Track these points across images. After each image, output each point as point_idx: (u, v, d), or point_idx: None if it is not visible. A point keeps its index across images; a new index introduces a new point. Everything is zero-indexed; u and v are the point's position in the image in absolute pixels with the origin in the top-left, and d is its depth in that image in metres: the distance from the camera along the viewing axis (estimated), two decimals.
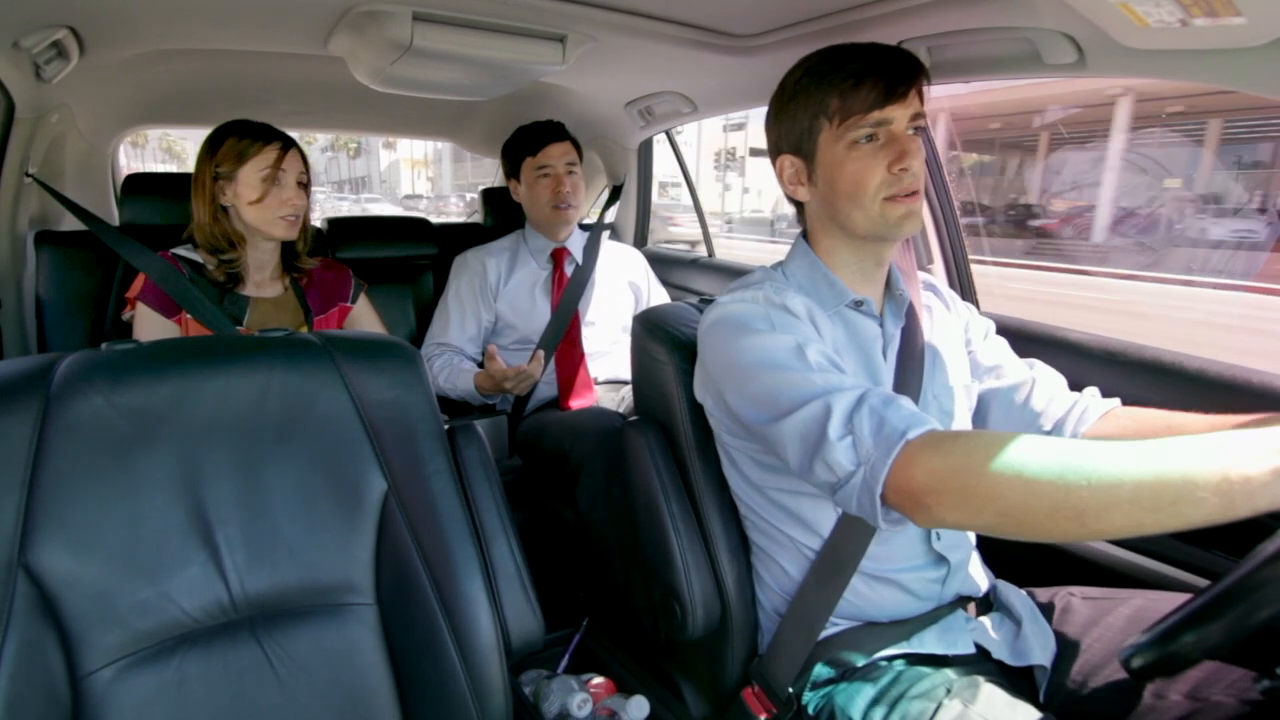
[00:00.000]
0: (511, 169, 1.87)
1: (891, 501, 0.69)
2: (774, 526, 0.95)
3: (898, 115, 0.84)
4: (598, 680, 1.20)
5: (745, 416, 0.84)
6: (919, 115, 0.87)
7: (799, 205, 0.96)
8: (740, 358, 0.84)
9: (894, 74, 0.83)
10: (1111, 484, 0.55)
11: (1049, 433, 0.94)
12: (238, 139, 1.35)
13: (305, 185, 1.42)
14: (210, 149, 1.37)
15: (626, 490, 1.09)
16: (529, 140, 1.81)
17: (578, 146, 1.85)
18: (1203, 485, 0.51)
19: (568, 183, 1.79)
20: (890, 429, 0.69)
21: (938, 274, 1.53)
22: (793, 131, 0.90)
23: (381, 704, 0.82)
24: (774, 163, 0.95)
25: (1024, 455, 0.60)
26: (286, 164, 1.37)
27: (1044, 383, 0.98)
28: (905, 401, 0.73)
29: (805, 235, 0.97)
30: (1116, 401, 0.94)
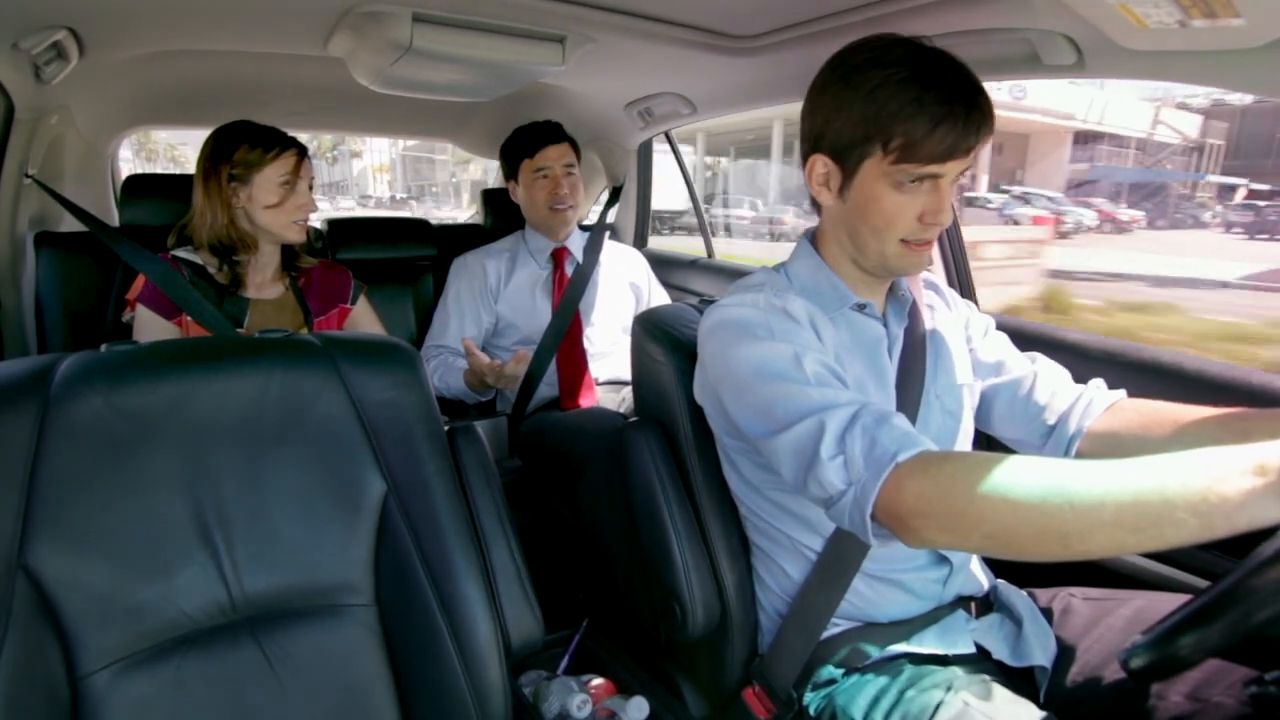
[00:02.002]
0: (510, 170, 1.87)
1: (881, 521, 0.69)
2: (774, 527, 0.95)
3: (952, 171, 0.81)
4: (597, 681, 1.20)
5: (742, 426, 0.84)
6: (965, 171, 0.84)
7: (816, 203, 0.94)
8: (738, 366, 0.83)
9: (968, 124, 0.77)
10: (1093, 507, 0.55)
11: (1054, 426, 0.94)
12: (255, 142, 1.36)
13: (311, 187, 1.44)
14: (224, 150, 1.37)
15: (626, 491, 1.09)
16: (526, 142, 1.82)
17: (576, 147, 1.85)
18: (1181, 507, 0.52)
19: (565, 184, 1.80)
20: (881, 450, 0.69)
21: (937, 274, 1.53)
22: (839, 136, 0.83)
23: (381, 705, 0.82)
24: (806, 156, 0.89)
25: (1009, 479, 0.61)
26: (302, 170, 1.40)
27: (1047, 377, 0.98)
28: (899, 420, 0.73)
29: (812, 235, 0.97)
30: (1122, 393, 0.93)
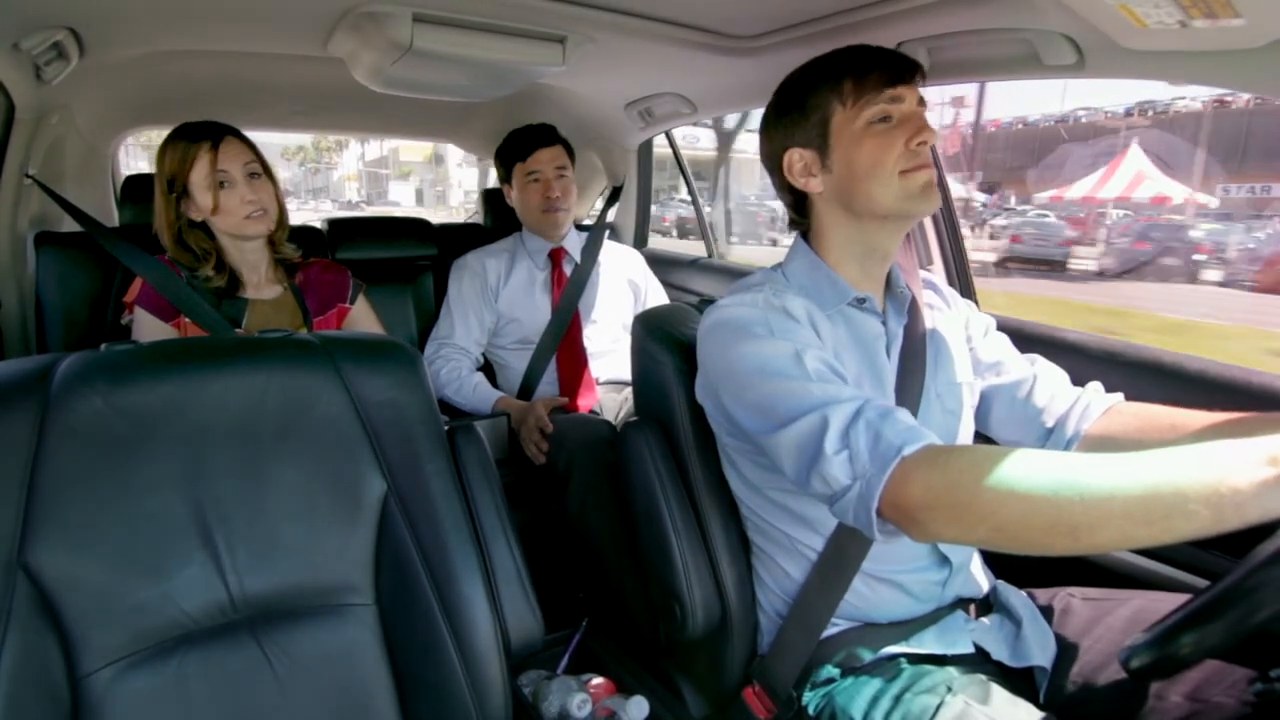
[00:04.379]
0: (504, 174, 1.88)
1: (887, 515, 0.69)
2: (775, 527, 0.95)
3: (908, 95, 0.87)
4: (597, 680, 1.20)
5: (743, 424, 0.84)
6: (922, 102, 0.89)
7: (800, 202, 0.96)
8: (738, 364, 0.84)
9: (898, 64, 0.87)
10: (1103, 499, 0.55)
11: (1052, 429, 0.94)
12: (172, 149, 1.30)
13: (261, 174, 1.35)
14: (159, 168, 1.31)
15: (626, 491, 1.09)
16: (518, 145, 1.82)
17: (569, 149, 1.86)
18: (1193, 499, 0.52)
19: (557, 187, 1.80)
20: (886, 444, 0.69)
21: (937, 273, 1.53)
22: (802, 125, 0.90)
23: (381, 704, 0.82)
24: (778, 161, 0.94)
25: (1018, 472, 0.60)
26: (224, 161, 1.28)
27: (1046, 379, 0.98)
28: (902, 414, 0.73)
29: (805, 236, 0.97)
30: (1120, 397, 0.93)
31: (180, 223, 1.33)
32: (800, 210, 0.97)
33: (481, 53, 1.33)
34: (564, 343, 1.78)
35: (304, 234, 1.86)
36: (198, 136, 1.30)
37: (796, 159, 0.92)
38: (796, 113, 0.91)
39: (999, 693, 0.79)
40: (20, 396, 0.73)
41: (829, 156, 0.90)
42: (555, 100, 2.05)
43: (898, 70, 0.86)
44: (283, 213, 1.43)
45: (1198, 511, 0.52)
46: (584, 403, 1.76)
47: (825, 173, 0.91)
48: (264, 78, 1.82)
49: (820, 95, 0.89)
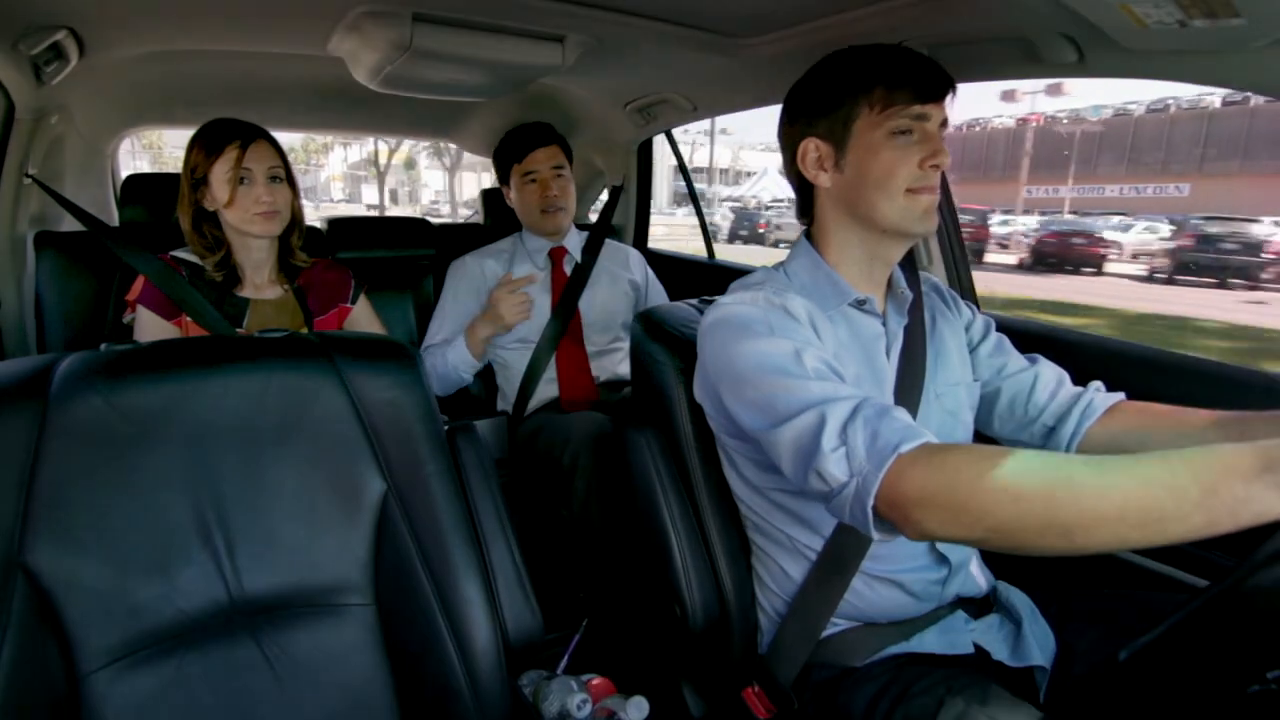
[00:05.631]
0: (501, 175, 1.87)
1: (883, 513, 0.69)
2: (775, 527, 0.95)
3: (934, 114, 0.87)
4: (597, 680, 1.20)
5: (742, 421, 0.84)
6: (945, 123, 0.89)
7: (807, 194, 0.95)
8: (738, 362, 0.84)
9: (934, 78, 0.87)
10: (1098, 502, 0.56)
11: (1053, 428, 0.94)
12: (204, 140, 1.35)
13: (283, 179, 1.39)
14: (187, 155, 1.37)
15: (626, 491, 1.09)
16: (514, 146, 1.82)
17: (566, 148, 1.85)
18: (1186, 502, 0.52)
19: (555, 186, 1.79)
20: (883, 442, 0.69)
21: (937, 274, 1.53)
22: (825, 115, 0.90)
23: (380, 705, 0.82)
24: (794, 147, 0.93)
25: (1014, 472, 0.60)
26: (250, 161, 1.33)
27: (1047, 378, 0.98)
28: (900, 413, 0.73)
29: (808, 234, 0.97)
30: (1122, 395, 0.94)
31: (197, 211, 1.37)
32: (806, 201, 0.97)
33: (481, 52, 1.33)
34: (564, 342, 1.78)
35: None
36: (231, 134, 1.35)
37: (812, 149, 0.91)
38: (823, 104, 0.90)
39: (999, 693, 0.79)
40: (20, 396, 0.73)
41: (844, 156, 0.89)
42: (555, 100, 2.05)
43: (931, 87, 0.86)
44: (298, 219, 1.45)
45: (1190, 515, 0.52)
46: (584, 403, 1.76)
47: (837, 171, 0.90)
48: (264, 77, 1.82)
49: (850, 93, 0.87)
